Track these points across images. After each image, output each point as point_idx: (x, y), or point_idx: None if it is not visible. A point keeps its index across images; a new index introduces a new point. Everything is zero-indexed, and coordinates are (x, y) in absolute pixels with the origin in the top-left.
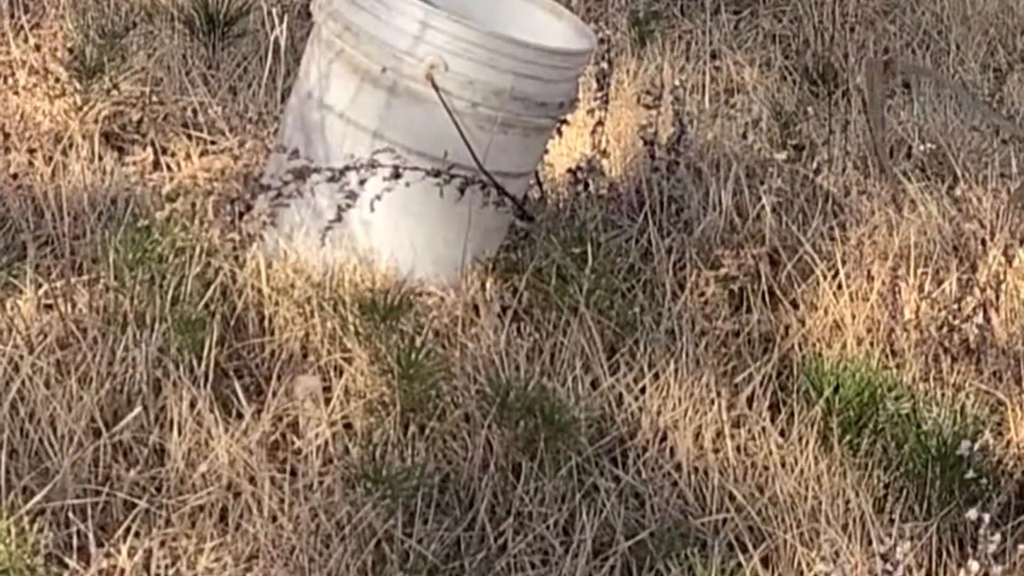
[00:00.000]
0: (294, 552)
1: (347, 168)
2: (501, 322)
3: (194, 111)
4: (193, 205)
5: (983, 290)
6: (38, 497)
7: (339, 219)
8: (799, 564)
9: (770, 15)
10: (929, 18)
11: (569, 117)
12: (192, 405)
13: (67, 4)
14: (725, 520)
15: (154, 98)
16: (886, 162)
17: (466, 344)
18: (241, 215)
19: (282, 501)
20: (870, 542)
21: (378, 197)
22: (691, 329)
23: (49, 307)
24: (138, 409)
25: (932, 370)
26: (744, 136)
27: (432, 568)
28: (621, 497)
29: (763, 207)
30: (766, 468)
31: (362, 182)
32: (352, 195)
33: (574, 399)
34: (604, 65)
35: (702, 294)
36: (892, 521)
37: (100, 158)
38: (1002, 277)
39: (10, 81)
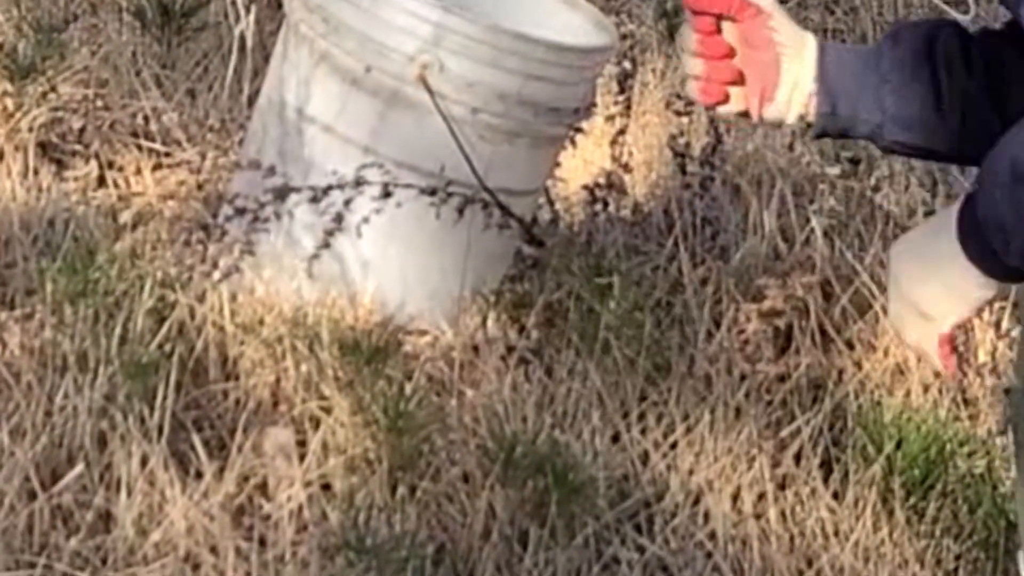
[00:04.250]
0: None
1: (331, 187)
2: (505, 365)
3: (146, 118)
4: (143, 225)
5: None
6: None
7: (326, 245)
8: None
9: (821, 6)
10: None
11: (585, 125)
12: (143, 462)
13: None
14: None
15: (99, 103)
16: None
17: (464, 391)
18: (205, 245)
19: (249, 575)
20: None
21: (365, 220)
22: (729, 373)
23: None
24: (80, 467)
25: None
26: (790, 147)
27: None
28: (646, 570)
29: (812, 230)
30: (816, 537)
31: (348, 202)
32: (338, 218)
33: (591, 455)
34: (626, 64)
35: (741, 332)
36: None
37: (35, 173)
38: None
39: None
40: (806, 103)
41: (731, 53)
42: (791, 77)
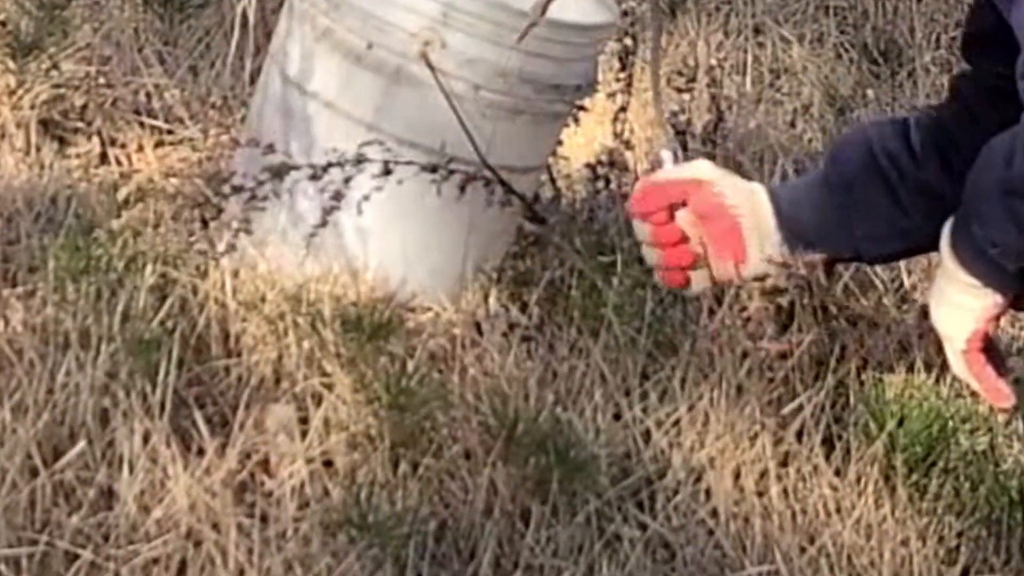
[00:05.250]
0: None
1: (331, 164)
2: (507, 342)
3: (148, 95)
4: (144, 202)
5: None
6: None
7: (324, 223)
8: None
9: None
10: None
11: (587, 102)
12: (145, 439)
13: None
14: (769, 573)
15: (101, 80)
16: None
17: (466, 368)
18: (206, 222)
19: (251, 552)
20: None
21: (366, 197)
22: (731, 351)
23: None
24: (82, 444)
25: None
26: (792, 124)
27: None
28: (648, 547)
29: None
30: (817, 514)
31: (347, 180)
32: (338, 196)
33: (593, 433)
34: (628, 41)
35: (743, 309)
36: (965, 574)
37: (38, 150)
38: None
39: None
40: (780, 253)
41: (684, 238)
42: (755, 235)
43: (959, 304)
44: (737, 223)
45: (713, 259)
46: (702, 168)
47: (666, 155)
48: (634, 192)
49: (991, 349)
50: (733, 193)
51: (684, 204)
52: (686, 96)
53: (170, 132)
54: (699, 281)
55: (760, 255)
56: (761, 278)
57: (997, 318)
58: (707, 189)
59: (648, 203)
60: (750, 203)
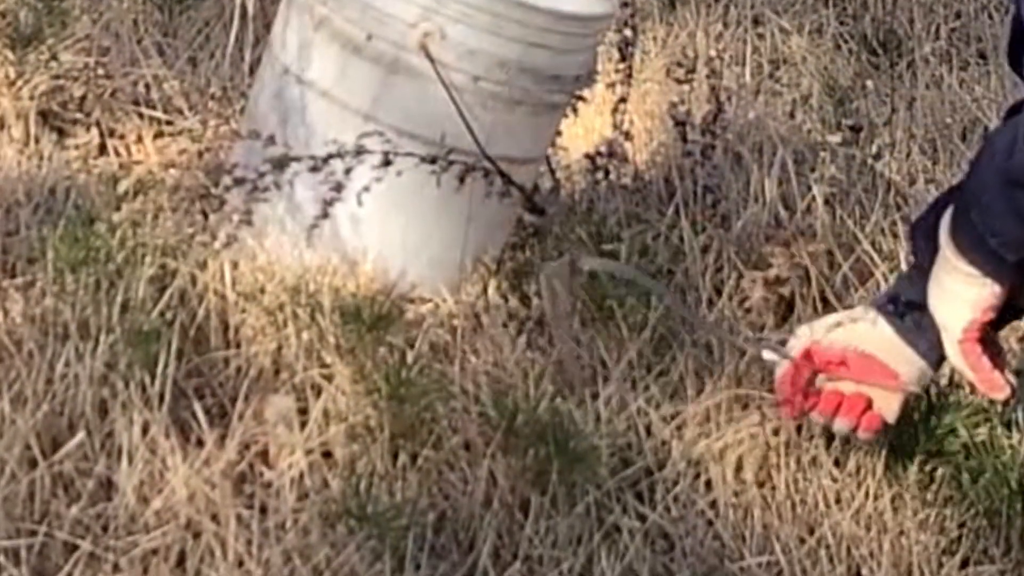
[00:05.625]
0: None
1: (331, 156)
2: (507, 333)
3: (147, 86)
4: (144, 194)
5: None
6: None
7: (325, 215)
8: None
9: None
10: None
11: (586, 93)
12: (144, 430)
13: None
14: (768, 564)
15: (100, 71)
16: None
17: (466, 359)
18: (206, 214)
19: (250, 543)
20: None
21: (366, 189)
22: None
23: None
24: (81, 435)
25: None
26: (792, 115)
27: None
28: (647, 538)
29: (814, 198)
30: (817, 505)
31: (348, 171)
32: (338, 187)
33: (593, 424)
34: (627, 32)
35: (744, 300)
36: (965, 565)
37: (36, 141)
38: None
39: None
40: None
41: (842, 394)
42: (895, 354)
43: (957, 294)
44: (862, 352)
45: (874, 390)
46: (799, 338)
47: (768, 355)
48: (781, 406)
49: (987, 340)
50: (845, 338)
51: (815, 374)
52: (685, 87)
53: (169, 123)
54: (890, 408)
55: (911, 367)
56: (934, 382)
57: (994, 308)
58: (815, 348)
59: (795, 402)
60: (873, 331)
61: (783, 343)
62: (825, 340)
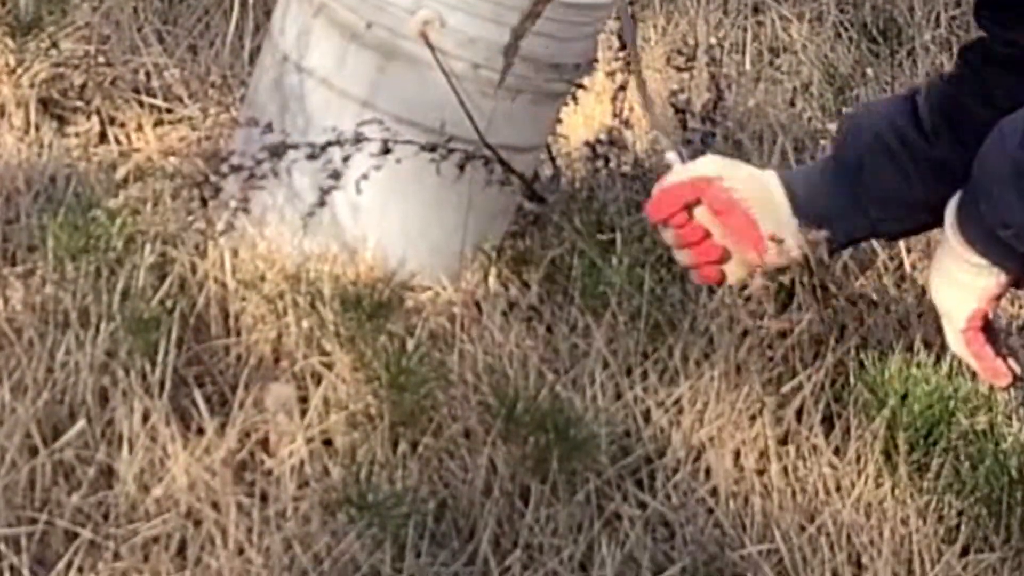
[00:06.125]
0: None
1: (329, 143)
2: (507, 321)
3: (147, 74)
4: (143, 181)
5: None
6: None
7: (323, 203)
8: None
9: None
10: None
11: (586, 81)
12: (145, 418)
13: None
14: (768, 552)
15: (100, 59)
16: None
17: (466, 347)
18: (205, 202)
19: (250, 531)
20: None
21: (365, 176)
22: (730, 330)
23: None
24: (81, 423)
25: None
26: (792, 103)
27: None
28: (647, 526)
29: None
30: (817, 493)
31: (346, 159)
32: (336, 175)
33: (593, 412)
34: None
35: (744, 288)
36: (965, 553)
37: (37, 129)
38: None
39: None
40: (799, 237)
41: (707, 234)
42: (771, 223)
43: (962, 283)
44: (751, 214)
45: (736, 251)
46: (709, 164)
47: (671, 156)
48: (649, 200)
49: (989, 328)
50: (743, 185)
51: (699, 202)
52: (685, 75)
53: (169, 111)
54: (733, 272)
55: (780, 227)
56: (788, 264)
57: (998, 298)
58: (717, 185)
59: (664, 208)
60: (762, 193)
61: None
62: (729, 181)
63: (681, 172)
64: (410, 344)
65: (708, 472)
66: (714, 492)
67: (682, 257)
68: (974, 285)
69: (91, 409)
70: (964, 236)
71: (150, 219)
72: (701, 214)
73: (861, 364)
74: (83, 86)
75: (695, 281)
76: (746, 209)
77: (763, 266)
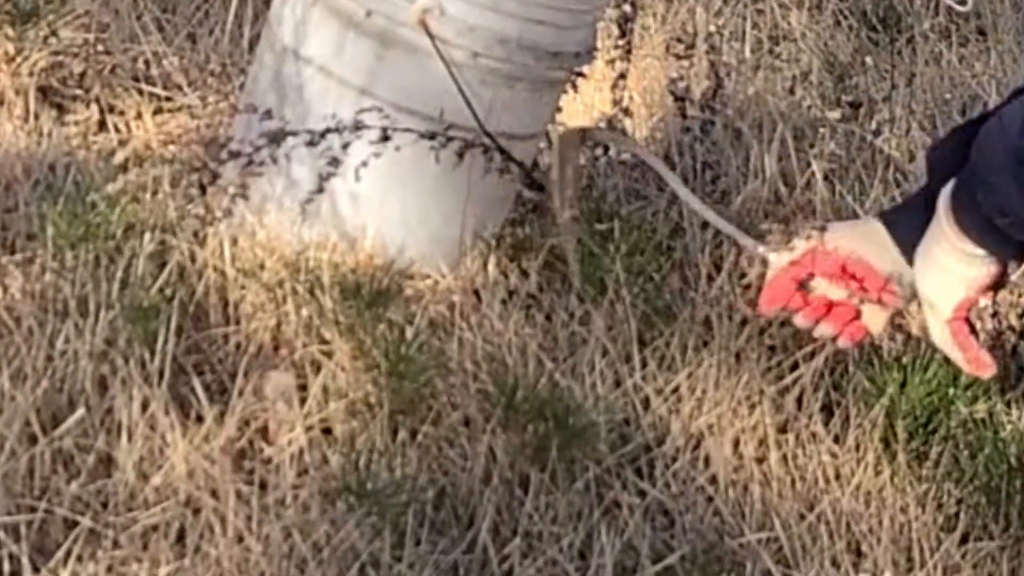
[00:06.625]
0: None
1: (328, 131)
2: (507, 309)
3: (146, 62)
4: (142, 169)
5: None
6: None
7: (321, 190)
8: None
9: None
10: None
11: (586, 69)
12: (144, 406)
13: None
14: (767, 541)
15: (99, 47)
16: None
17: (465, 335)
18: (204, 188)
19: (249, 519)
20: (938, 566)
21: (364, 164)
22: (730, 318)
23: None
24: (81, 411)
25: (1012, 366)
26: (791, 91)
27: None
28: (647, 514)
29: (813, 174)
30: (817, 481)
31: (345, 146)
32: (334, 162)
33: (593, 400)
34: (627, 8)
35: (743, 276)
36: (964, 541)
37: (36, 117)
38: None
39: None
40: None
41: (832, 302)
42: (888, 266)
43: (952, 272)
44: (865, 262)
45: (866, 301)
46: (801, 244)
47: (761, 251)
48: (761, 300)
49: (968, 317)
50: (844, 240)
51: (812, 276)
52: (685, 63)
53: (168, 99)
54: (877, 323)
55: (898, 266)
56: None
57: (987, 288)
58: (819, 253)
59: (778, 300)
60: (868, 241)
61: (788, 242)
62: (830, 243)
63: (780, 260)
64: (409, 332)
65: (707, 460)
66: (713, 480)
67: (822, 331)
68: (965, 275)
69: (90, 397)
70: (959, 224)
71: (149, 207)
72: (818, 286)
73: (860, 352)
74: (82, 74)
75: (845, 347)
76: (856, 260)
77: (896, 305)
